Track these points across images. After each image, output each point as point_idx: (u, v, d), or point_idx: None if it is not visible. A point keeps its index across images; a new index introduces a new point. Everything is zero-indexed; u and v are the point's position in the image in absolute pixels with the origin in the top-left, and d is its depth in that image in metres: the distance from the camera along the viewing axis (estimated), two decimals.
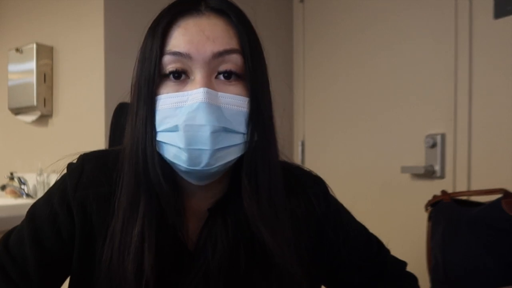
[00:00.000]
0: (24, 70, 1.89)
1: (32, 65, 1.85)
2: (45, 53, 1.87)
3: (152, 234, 0.58)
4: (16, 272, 0.61)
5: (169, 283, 0.61)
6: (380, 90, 1.87)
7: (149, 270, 0.57)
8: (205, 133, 0.54)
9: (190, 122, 0.54)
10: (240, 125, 0.57)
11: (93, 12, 1.69)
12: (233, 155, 0.57)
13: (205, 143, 0.54)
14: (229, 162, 0.57)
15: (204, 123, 0.54)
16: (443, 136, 1.67)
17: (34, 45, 1.84)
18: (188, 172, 0.57)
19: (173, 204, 0.60)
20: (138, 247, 0.57)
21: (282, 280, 0.59)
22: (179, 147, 0.55)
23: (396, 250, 0.79)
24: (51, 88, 1.88)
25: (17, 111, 1.97)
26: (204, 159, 0.55)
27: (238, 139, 0.57)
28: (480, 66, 1.59)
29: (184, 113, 0.54)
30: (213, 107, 0.54)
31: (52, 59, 1.88)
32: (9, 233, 0.65)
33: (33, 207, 0.65)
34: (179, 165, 0.57)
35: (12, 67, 1.96)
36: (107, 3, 1.66)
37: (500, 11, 1.54)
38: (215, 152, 0.55)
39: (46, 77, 1.87)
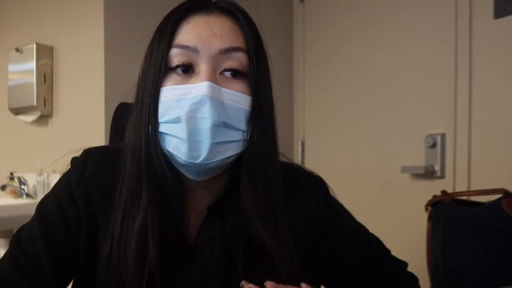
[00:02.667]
0: (24, 70, 1.89)
1: (32, 65, 1.85)
2: (45, 53, 1.87)
3: (155, 224, 0.58)
4: (30, 267, 0.61)
5: (167, 280, 0.60)
6: (380, 90, 1.87)
7: (155, 258, 0.57)
8: (206, 125, 0.55)
9: (192, 114, 0.55)
10: (240, 122, 0.58)
11: (93, 12, 1.69)
12: (232, 151, 0.58)
13: (205, 135, 0.55)
14: (227, 158, 0.58)
15: (206, 115, 0.55)
16: (443, 136, 1.67)
17: (34, 45, 1.84)
18: (186, 165, 0.58)
19: (176, 193, 0.60)
20: (140, 238, 0.57)
21: (280, 279, 0.59)
22: (180, 138, 0.56)
23: (396, 250, 0.79)
24: (51, 88, 1.88)
25: (17, 111, 1.97)
26: (203, 152, 0.55)
27: (238, 136, 0.58)
28: (480, 66, 1.59)
29: (187, 104, 0.55)
30: (216, 101, 0.55)
31: (52, 59, 1.88)
32: (21, 230, 0.65)
33: (42, 203, 0.66)
34: (179, 157, 0.57)
35: (12, 67, 1.96)
36: (107, 3, 1.66)
37: (500, 11, 1.54)
38: (214, 145, 0.55)
39: (46, 77, 1.87)
